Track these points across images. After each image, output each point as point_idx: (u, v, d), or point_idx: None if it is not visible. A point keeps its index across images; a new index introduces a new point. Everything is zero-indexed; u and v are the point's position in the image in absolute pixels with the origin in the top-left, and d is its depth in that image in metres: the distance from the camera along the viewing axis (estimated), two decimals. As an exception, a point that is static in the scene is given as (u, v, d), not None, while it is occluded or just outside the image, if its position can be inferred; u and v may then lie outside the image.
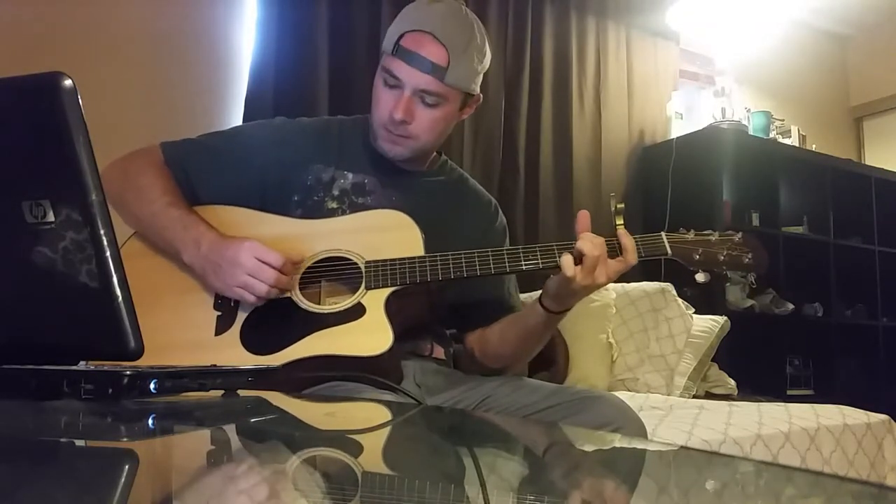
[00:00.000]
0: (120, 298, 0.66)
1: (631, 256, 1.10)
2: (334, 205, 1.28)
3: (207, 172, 1.28)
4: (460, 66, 1.21)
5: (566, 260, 1.08)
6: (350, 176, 1.31)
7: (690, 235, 1.18)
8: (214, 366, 0.87)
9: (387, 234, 1.19)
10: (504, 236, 1.42)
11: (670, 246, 1.15)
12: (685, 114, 3.61)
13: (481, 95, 1.32)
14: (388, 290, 1.14)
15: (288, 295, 1.14)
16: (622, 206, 1.16)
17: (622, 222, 1.15)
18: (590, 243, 1.08)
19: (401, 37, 1.21)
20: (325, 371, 1.11)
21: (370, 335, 1.11)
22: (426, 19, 1.21)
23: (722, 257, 1.17)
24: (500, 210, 1.44)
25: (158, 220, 1.19)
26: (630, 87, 3.51)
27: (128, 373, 0.64)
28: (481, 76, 1.29)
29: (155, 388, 0.65)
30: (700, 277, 1.17)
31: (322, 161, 1.31)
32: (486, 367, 1.29)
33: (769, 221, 3.50)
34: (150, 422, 0.64)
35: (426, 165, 1.38)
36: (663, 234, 1.16)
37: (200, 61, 2.48)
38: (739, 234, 1.20)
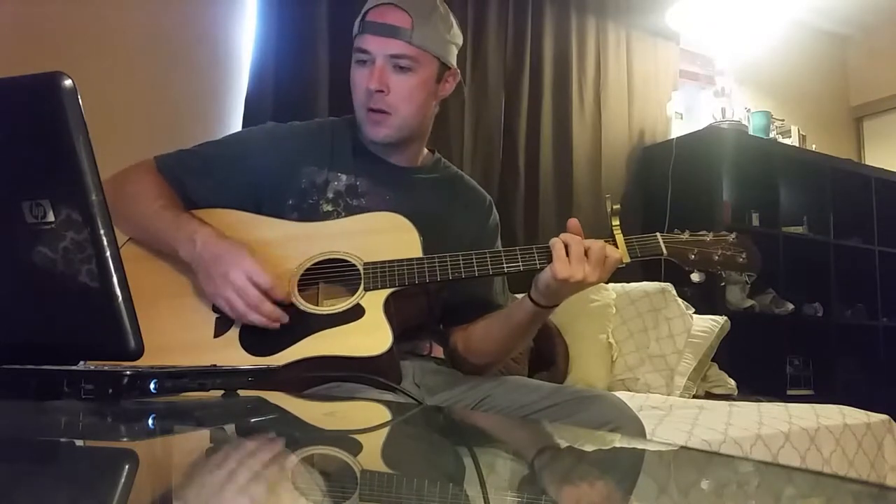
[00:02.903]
0: (120, 298, 0.66)
1: (617, 254, 1.12)
2: (329, 207, 1.28)
3: (201, 179, 1.28)
4: (426, 28, 1.24)
5: (558, 246, 1.09)
6: (343, 178, 1.30)
7: (685, 236, 1.19)
8: (215, 366, 0.87)
9: (385, 237, 1.19)
10: (496, 233, 1.42)
11: (665, 246, 1.17)
12: (685, 114, 3.61)
13: (458, 71, 1.34)
14: (386, 291, 1.13)
15: (276, 324, 1.12)
16: (617, 207, 1.17)
17: (618, 223, 1.16)
18: (571, 234, 1.11)
19: (365, 14, 1.25)
20: (325, 372, 1.11)
21: (369, 336, 1.11)
22: None
23: (716, 257, 1.18)
24: (493, 207, 1.44)
25: (154, 224, 1.19)
26: (630, 87, 3.51)
27: (128, 373, 0.64)
28: (454, 50, 1.31)
29: (155, 388, 0.65)
30: (695, 277, 1.19)
31: (315, 164, 1.31)
32: (468, 364, 1.29)
33: (769, 221, 3.50)
34: (150, 422, 0.64)
35: (419, 162, 1.38)
36: (659, 234, 1.18)
37: (201, 61, 2.48)
38: (734, 235, 1.22)
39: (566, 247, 1.09)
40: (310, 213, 1.27)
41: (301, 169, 1.30)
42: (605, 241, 1.12)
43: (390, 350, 1.10)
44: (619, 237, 1.15)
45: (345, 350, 1.10)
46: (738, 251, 1.20)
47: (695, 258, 1.18)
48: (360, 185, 1.30)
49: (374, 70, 1.23)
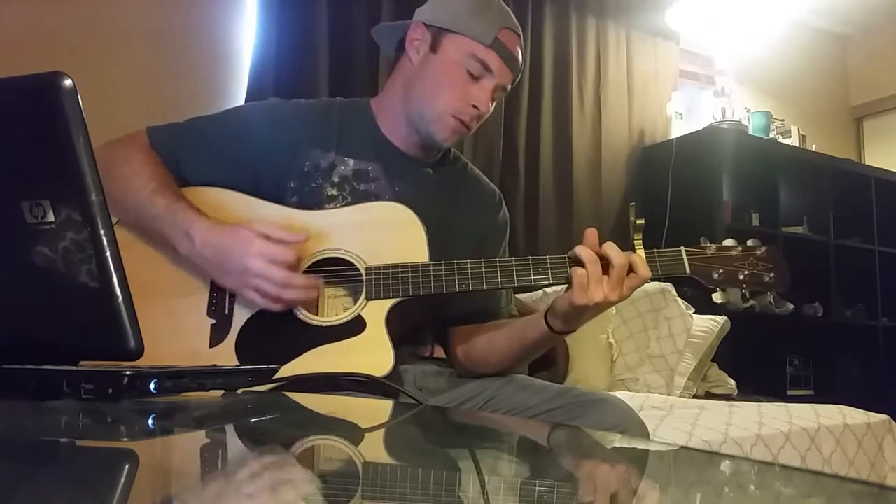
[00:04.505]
0: (120, 298, 0.66)
1: (643, 271, 1.06)
2: (334, 192, 1.22)
3: (196, 156, 1.21)
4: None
5: (578, 271, 1.04)
6: (351, 162, 1.24)
7: (711, 250, 1.11)
8: (215, 365, 0.88)
9: (389, 233, 1.14)
10: (505, 230, 1.37)
11: (689, 264, 1.10)
12: (685, 114, 3.62)
13: None
14: (389, 303, 1.09)
15: (314, 293, 1.07)
16: (641, 222, 1.12)
17: (640, 237, 1.11)
18: (588, 251, 1.05)
19: (499, 31, 1.22)
20: (325, 382, 1.08)
21: (371, 355, 1.07)
22: (514, 21, 1.26)
23: (742, 276, 1.12)
24: (503, 202, 1.39)
25: (146, 211, 1.11)
26: (630, 87, 3.51)
27: (128, 373, 0.64)
28: None
29: (155, 388, 0.65)
30: (717, 298, 1.14)
31: (320, 146, 1.23)
32: (467, 371, 1.25)
33: (769, 221, 3.50)
34: (150, 422, 0.64)
35: (431, 154, 1.33)
36: (683, 249, 1.11)
37: (201, 61, 2.49)
38: (763, 249, 1.14)
39: (586, 270, 1.04)
40: (312, 197, 1.21)
41: (304, 150, 1.23)
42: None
43: (392, 369, 1.06)
44: (641, 253, 1.08)
45: (345, 371, 1.06)
46: (766, 268, 1.12)
47: (719, 277, 1.10)
48: (371, 170, 1.24)
49: (489, 92, 1.23)
